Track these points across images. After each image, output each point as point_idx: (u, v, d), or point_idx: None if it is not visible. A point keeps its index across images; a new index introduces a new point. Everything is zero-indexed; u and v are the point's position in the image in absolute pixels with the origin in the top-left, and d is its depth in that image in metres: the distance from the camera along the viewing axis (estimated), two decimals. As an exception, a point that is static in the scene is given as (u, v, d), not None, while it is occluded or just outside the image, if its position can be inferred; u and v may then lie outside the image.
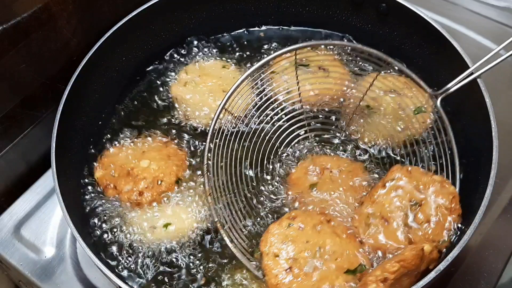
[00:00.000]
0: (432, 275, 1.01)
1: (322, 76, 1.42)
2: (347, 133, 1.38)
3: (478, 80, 1.24)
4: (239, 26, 1.66)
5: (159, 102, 1.50)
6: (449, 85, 1.25)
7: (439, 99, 1.26)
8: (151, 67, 1.58)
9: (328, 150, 1.35)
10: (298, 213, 1.20)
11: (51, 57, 1.38)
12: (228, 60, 1.56)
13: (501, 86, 1.37)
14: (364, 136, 1.36)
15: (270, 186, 1.31)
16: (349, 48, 1.43)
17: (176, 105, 1.48)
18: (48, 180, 1.42)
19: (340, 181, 1.27)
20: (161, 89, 1.53)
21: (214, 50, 1.60)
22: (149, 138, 1.42)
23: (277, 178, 1.32)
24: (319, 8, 1.60)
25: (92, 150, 1.41)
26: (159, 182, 1.30)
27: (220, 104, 1.29)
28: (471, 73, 1.23)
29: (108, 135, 1.44)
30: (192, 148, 1.41)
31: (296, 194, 1.28)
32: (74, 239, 1.34)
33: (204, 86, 1.47)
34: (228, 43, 1.63)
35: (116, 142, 1.42)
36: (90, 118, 1.42)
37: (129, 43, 1.49)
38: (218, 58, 1.57)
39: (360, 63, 1.45)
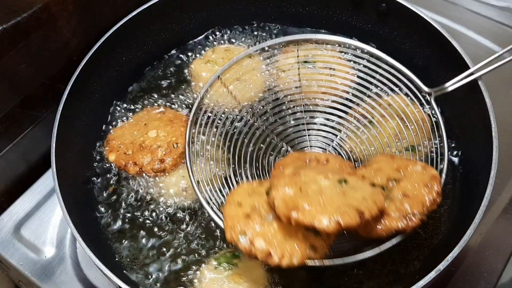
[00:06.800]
0: (432, 275, 1.01)
1: (327, 75, 1.41)
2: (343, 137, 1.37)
3: (479, 81, 1.23)
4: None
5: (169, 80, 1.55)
6: (446, 84, 1.23)
7: (433, 96, 1.24)
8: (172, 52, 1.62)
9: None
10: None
11: (51, 57, 1.38)
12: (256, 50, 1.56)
13: (501, 86, 1.37)
14: (355, 146, 1.35)
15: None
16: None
17: (191, 79, 1.52)
18: (48, 180, 1.42)
19: (325, 165, 1.24)
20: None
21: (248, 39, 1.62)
22: (145, 111, 1.45)
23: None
24: (319, 8, 1.60)
25: (92, 150, 1.41)
26: (175, 145, 1.33)
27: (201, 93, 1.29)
28: (471, 74, 1.22)
29: (109, 133, 1.44)
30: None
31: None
32: (74, 239, 1.34)
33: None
34: (261, 34, 1.64)
35: (115, 124, 1.45)
36: (90, 118, 1.42)
37: (129, 43, 1.49)
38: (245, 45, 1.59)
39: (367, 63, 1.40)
